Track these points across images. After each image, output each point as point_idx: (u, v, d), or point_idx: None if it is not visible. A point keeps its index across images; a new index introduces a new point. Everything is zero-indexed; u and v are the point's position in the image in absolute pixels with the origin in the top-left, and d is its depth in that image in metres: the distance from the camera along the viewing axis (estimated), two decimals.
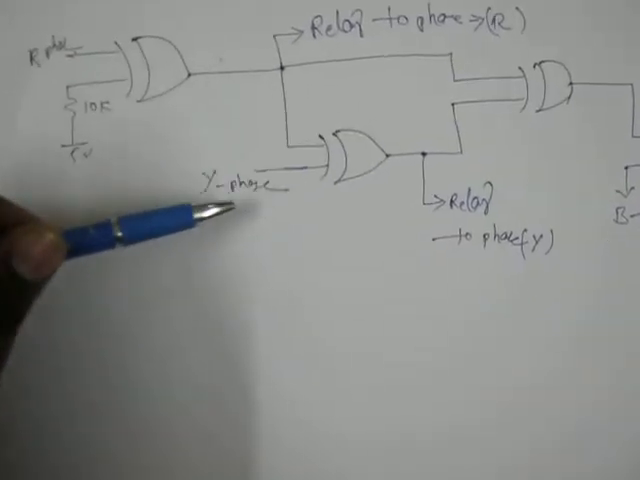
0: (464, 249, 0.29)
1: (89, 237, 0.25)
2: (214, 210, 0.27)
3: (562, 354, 0.29)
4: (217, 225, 0.28)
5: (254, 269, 0.29)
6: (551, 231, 0.29)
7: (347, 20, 0.29)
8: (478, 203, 0.29)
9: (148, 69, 0.29)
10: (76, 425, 0.29)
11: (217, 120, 0.29)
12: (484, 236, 0.29)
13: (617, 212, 0.29)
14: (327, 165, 0.29)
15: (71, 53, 0.29)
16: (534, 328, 0.29)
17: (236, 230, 0.29)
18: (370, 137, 0.29)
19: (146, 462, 0.29)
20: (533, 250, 0.29)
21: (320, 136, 0.29)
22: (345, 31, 0.29)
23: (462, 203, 0.29)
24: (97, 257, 0.26)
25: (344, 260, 0.29)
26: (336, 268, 0.29)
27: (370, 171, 0.29)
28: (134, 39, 0.29)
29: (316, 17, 0.29)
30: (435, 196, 0.29)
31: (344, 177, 0.29)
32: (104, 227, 0.25)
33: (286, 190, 0.29)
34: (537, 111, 0.29)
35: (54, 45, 0.29)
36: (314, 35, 0.29)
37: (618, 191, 0.29)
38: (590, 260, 0.29)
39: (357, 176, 0.29)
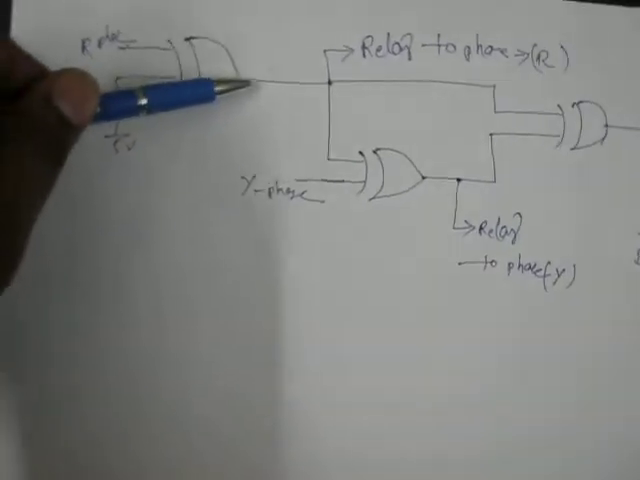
0: (488, 276, 0.30)
1: (114, 99, 0.26)
2: (231, 85, 0.29)
3: (576, 387, 0.30)
4: (253, 226, 0.29)
5: (285, 275, 0.30)
6: (574, 266, 0.30)
7: (397, 43, 0.30)
8: (506, 232, 0.30)
9: (198, 68, 0.29)
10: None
11: (261, 126, 0.29)
12: (509, 265, 0.30)
13: (638, 254, 0.30)
14: (364, 181, 0.30)
15: (123, 46, 0.30)
16: (550, 358, 0.30)
17: (271, 236, 0.29)
18: (408, 158, 0.30)
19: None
20: (555, 283, 0.30)
21: (360, 152, 0.29)
22: (394, 53, 0.30)
23: (491, 231, 0.30)
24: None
25: (370, 275, 0.30)
26: (362, 282, 0.30)
27: (405, 191, 0.30)
28: (187, 39, 0.29)
29: (367, 37, 0.30)
30: (465, 221, 0.30)
31: (379, 194, 0.30)
32: (129, 92, 0.27)
33: (322, 202, 0.29)
34: (571, 149, 0.30)
35: (107, 36, 0.30)
36: (364, 54, 0.30)
37: None
38: (609, 297, 0.30)
39: (392, 195, 0.30)
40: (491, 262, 0.30)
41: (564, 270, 0.30)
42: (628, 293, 0.30)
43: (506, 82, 0.30)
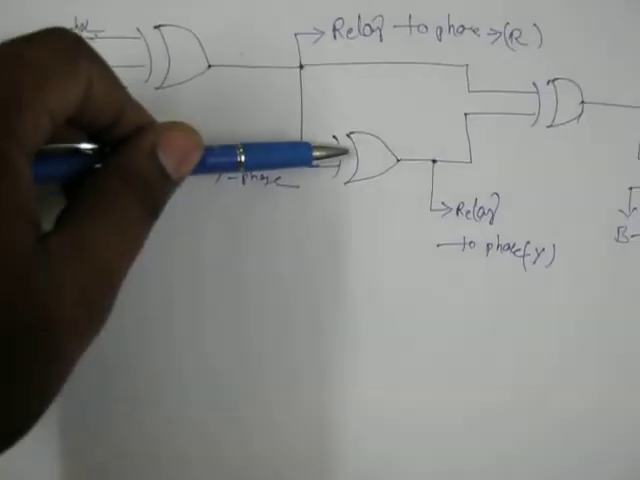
0: (467, 257, 0.30)
1: (214, 155, 0.26)
2: (329, 151, 0.28)
3: (556, 366, 0.30)
4: (225, 213, 0.29)
5: (263, 264, 0.29)
6: (553, 245, 0.30)
7: (368, 24, 0.29)
8: (484, 213, 0.30)
9: (169, 57, 0.29)
10: None
11: (233, 113, 0.29)
12: (487, 245, 0.30)
13: (619, 231, 0.30)
14: (338, 165, 0.29)
15: (92, 36, 0.29)
16: (528, 338, 0.30)
17: (245, 223, 0.29)
18: (382, 141, 0.29)
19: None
20: (534, 262, 0.30)
21: (334, 136, 0.29)
22: (365, 35, 0.29)
23: (468, 212, 0.30)
24: None
25: (347, 259, 0.29)
26: (339, 267, 0.29)
27: (380, 174, 0.29)
28: (156, 27, 0.29)
29: (338, 19, 0.29)
30: (442, 203, 0.30)
31: (354, 178, 0.29)
32: (229, 148, 0.26)
33: (297, 187, 0.29)
34: (548, 127, 0.30)
35: (76, 27, 0.29)
36: (335, 36, 0.29)
37: (621, 211, 0.30)
38: (589, 276, 0.30)
39: (367, 178, 0.29)
40: (469, 243, 0.30)
41: (543, 249, 0.30)
42: (609, 271, 0.30)
43: (479, 61, 0.29)
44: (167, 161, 0.22)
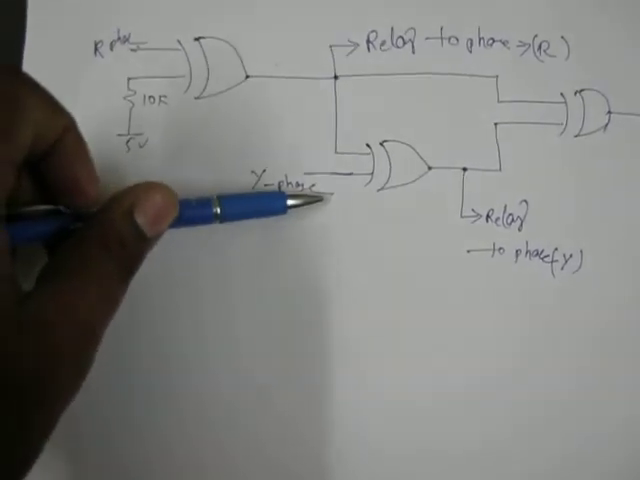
0: (497, 263, 0.30)
1: (191, 209, 0.27)
2: (304, 200, 0.29)
3: (584, 371, 0.30)
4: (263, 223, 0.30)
5: (294, 267, 0.30)
6: (581, 251, 0.30)
7: (401, 37, 0.30)
8: (513, 220, 0.30)
9: (208, 68, 0.30)
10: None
11: (270, 122, 0.30)
12: (516, 252, 0.30)
13: None
14: (372, 173, 0.30)
15: (134, 47, 0.30)
16: (559, 343, 0.30)
17: (283, 229, 0.30)
18: (414, 149, 0.30)
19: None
20: (562, 268, 0.30)
21: (367, 145, 0.30)
22: (398, 47, 0.30)
23: (498, 219, 0.30)
24: None
25: (380, 264, 0.30)
26: (373, 271, 0.30)
27: (413, 181, 0.30)
28: (196, 39, 0.30)
29: (372, 32, 0.30)
30: (472, 210, 0.30)
31: (387, 185, 0.30)
32: (206, 202, 0.27)
33: (331, 194, 0.30)
34: (575, 136, 0.30)
35: (119, 38, 0.30)
36: (368, 49, 0.30)
37: None
38: (616, 281, 0.30)
39: (400, 185, 0.30)
40: (499, 249, 0.30)
41: (571, 256, 0.30)
42: (635, 278, 0.31)
43: (508, 72, 0.30)
44: (142, 220, 0.23)
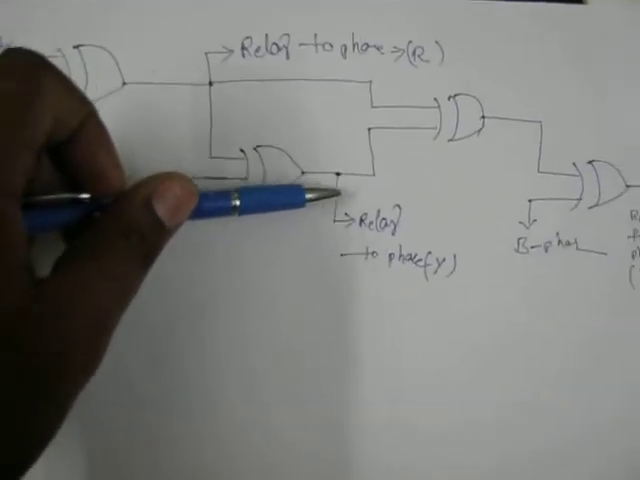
0: (370, 266, 0.31)
1: (210, 200, 0.27)
2: (322, 193, 0.29)
3: (460, 374, 0.30)
4: None
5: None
6: (454, 255, 0.31)
7: (275, 43, 0.31)
8: (386, 224, 0.31)
9: (86, 75, 0.31)
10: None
11: (147, 127, 0.31)
12: (390, 255, 0.31)
13: (518, 242, 0.31)
14: (246, 177, 0.30)
15: None
16: (431, 348, 0.31)
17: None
18: (288, 154, 0.31)
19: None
20: (435, 272, 0.31)
21: (241, 150, 0.30)
22: (272, 53, 0.31)
23: (371, 223, 0.31)
24: None
25: (254, 270, 0.31)
26: (246, 280, 0.31)
27: None
28: (75, 47, 0.31)
29: (246, 38, 0.31)
30: (346, 214, 0.31)
31: None
32: (225, 194, 0.27)
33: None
34: (449, 141, 0.31)
35: (1, 46, 0.31)
36: (243, 55, 0.31)
37: (521, 222, 0.31)
38: (489, 286, 0.31)
39: None
40: (372, 253, 0.31)
41: (444, 259, 0.31)
42: (509, 281, 0.31)
43: (382, 78, 0.31)
44: (162, 211, 0.23)
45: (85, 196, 0.24)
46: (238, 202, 0.27)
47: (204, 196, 0.26)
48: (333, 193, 0.30)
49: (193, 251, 0.30)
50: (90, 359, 0.21)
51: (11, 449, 0.20)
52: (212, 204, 0.27)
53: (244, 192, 0.28)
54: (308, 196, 0.29)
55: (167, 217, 0.23)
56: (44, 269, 0.22)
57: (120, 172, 0.25)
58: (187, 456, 0.30)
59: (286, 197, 0.29)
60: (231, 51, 0.31)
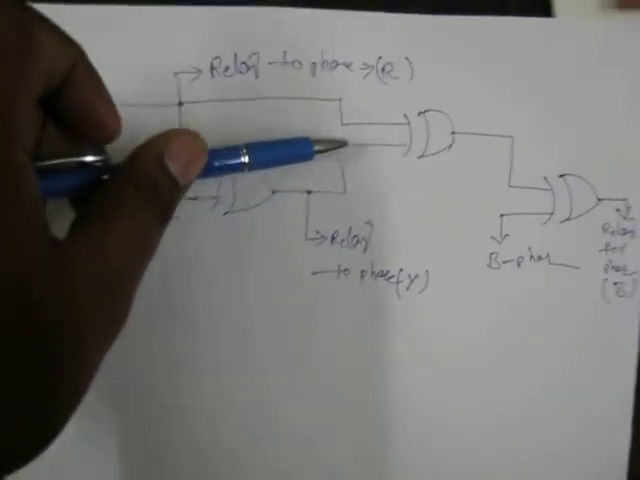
0: (342, 284, 0.31)
1: (220, 157, 0.27)
2: (330, 145, 0.29)
3: (429, 396, 0.31)
4: None
5: None
6: (426, 272, 0.31)
7: (244, 62, 0.31)
8: (358, 241, 0.31)
9: None
10: None
11: (117, 149, 0.31)
12: (361, 272, 0.31)
13: (490, 257, 0.31)
14: (216, 197, 0.31)
15: None
16: (405, 364, 0.31)
17: None
18: (258, 172, 0.31)
19: None
20: (408, 289, 0.31)
21: None
22: (242, 72, 0.31)
23: (343, 240, 0.31)
24: None
25: (224, 288, 0.31)
26: (218, 295, 0.31)
27: (258, 205, 0.31)
28: None
29: (215, 58, 0.31)
30: (317, 232, 0.31)
31: (233, 209, 0.31)
32: (234, 150, 0.28)
33: (177, 218, 0.30)
34: (419, 157, 0.31)
35: None
36: (212, 75, 0.31)
37: (493, 237, 0.31)
38: (461, 302, 0.31)
39: (245, 209, 0.31)
40: (344, 270, 0.31)
41: (417, 276, 0.31)
42: (481, 296, 0.31)
43: (352, 95, 0.31)
44: (174, 167, 0.23)
45: (93, 158, 0.24)
46: (247, 159, 0.28)
47: (214, 153, 0.26)
48: (340, 144, 0.30)
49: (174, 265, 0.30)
50: (113, 317, 0.21)
51: (45, 400, 0.19)
52: (222, 160, 0.27)
53: (253, 148, 0.28)
54: (316, 148, 0.29)
55: (180, 174, 0.23)
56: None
57: (115, 114, 0.24)
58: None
59: (294, 150, 0.29)
60: (200, 71, 0.31)
